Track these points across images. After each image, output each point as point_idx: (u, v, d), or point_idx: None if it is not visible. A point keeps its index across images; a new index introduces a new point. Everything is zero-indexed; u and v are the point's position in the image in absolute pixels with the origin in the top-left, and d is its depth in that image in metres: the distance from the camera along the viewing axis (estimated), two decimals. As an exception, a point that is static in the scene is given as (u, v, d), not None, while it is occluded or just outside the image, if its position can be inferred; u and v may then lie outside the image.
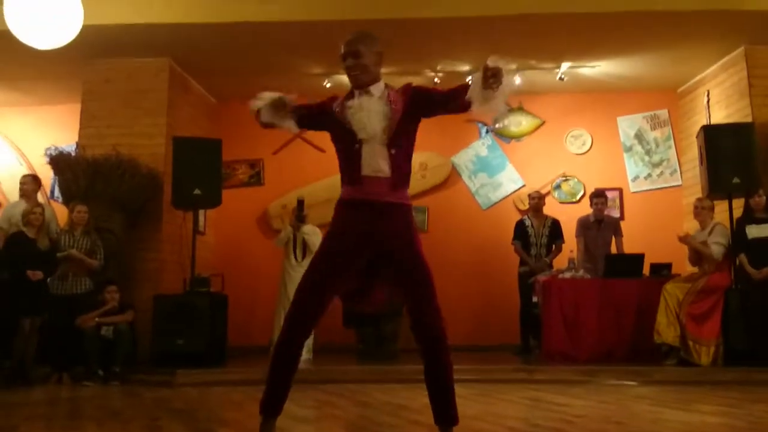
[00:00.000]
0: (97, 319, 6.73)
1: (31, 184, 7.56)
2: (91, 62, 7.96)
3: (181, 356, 6.76)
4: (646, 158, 9.29)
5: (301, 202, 7.69)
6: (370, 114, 3.14)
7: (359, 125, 3.13)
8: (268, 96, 3.23)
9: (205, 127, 8.99)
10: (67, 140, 8.81)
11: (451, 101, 3.17)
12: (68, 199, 7.39)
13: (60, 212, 7.71)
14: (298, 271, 7.67)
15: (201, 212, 8.12)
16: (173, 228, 7.93)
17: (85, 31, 6.30)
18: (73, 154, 7.86)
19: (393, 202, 3.13)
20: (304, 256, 7.76)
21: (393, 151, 3.12)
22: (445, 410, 3.12)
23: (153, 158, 7.74)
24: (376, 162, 3.10)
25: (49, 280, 6.68)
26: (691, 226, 7.84)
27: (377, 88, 3.25)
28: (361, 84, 3.23)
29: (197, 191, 7.16)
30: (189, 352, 6.80)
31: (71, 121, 8.36)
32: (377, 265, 3.18)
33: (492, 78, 2.88)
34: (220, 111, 9.50)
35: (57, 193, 8.34)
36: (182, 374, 6.44)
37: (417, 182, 9.30)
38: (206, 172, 7.25)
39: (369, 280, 3.22)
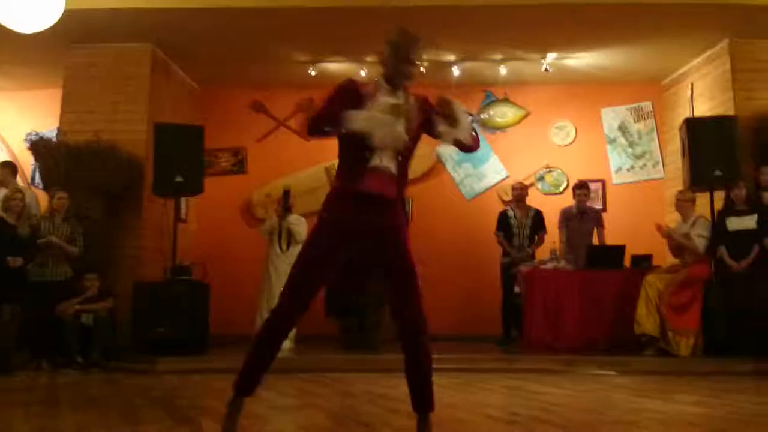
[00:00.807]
0: (76, 306, 6.69)
1: (0, 170, 7.49)
2: (72, 47, 7.88)
3: (162, 344, 6.73)
4: (629, 150, 9.33)
5: (287, 192, 7.66)
6: (392, 125, 3.09)
7: (378, 138, 3.06)
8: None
9: (188, 114, 8.91)
10: (48, 126, 8.69)
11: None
12: (49, 186, 7.32)
13: (41, 199, 7.64)
14: (282, 260, 7.64)
15: (183, 200, 8.06)
16: (154, 215, 7.87)
17: (67, 15, 6.23)
18: (54, 139, 7.78)
19: (390, 198, 3.15)
20: (288, 246, 7.73)
21: (400, 158, 3.14)
22: (423, 398, 3.16)
23: (134, 145, 7.68)
24: (383, 161, 3.10)
25: (28, 266, 6.61)
26: (673, 218, 7.89)
27: (405, 92, 3.24)
28: (410, 82, 3.25)
29: (179, 178, 7.11)
30: (170, 340, 6.76)
31: (52, 106, 8.27)
32: (368, 258, 3.20)
33: (447, 116, 3.06)
34: (203, 97, 9.43)
35: (38, 179, 8.25)
36: (163, 362, 6.42)
37: (401, 172, 9.28)
38: (188, 159, 7.20)
39: (362, 272, 3.26)
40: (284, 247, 7.74)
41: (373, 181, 3.09)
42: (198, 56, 8.35)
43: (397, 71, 3.22)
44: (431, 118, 3.21)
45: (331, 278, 3.24)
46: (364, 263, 3.25)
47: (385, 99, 3.15)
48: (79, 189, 7.17)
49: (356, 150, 3.11)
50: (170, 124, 7.73)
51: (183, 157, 7.15)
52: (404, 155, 3.16)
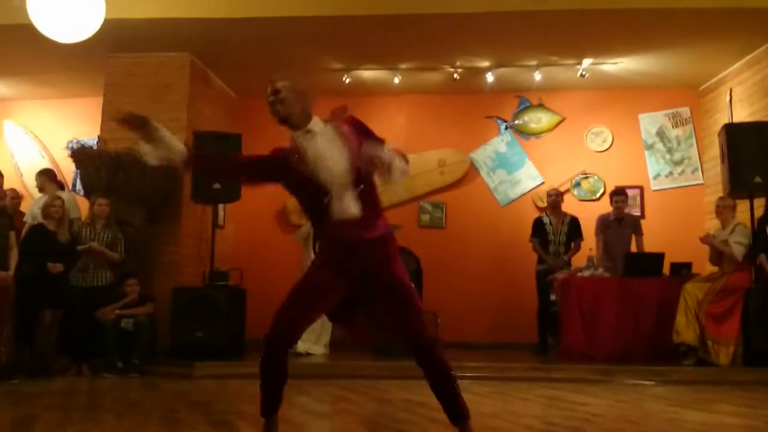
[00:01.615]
0: (117, 311, 6.80)
1: (38, 178, 7.67)
2: (113, 56, 8.02)
3: (200, 349, 6.81)
4: (668, 156, 9.21)
5: None
6: (333, 160, 3.06)
7: (326, 176, 3.05)
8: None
9: (226, 122, 9.03)
10: (89, 133, 8.89)
11: None
12: (89, 193, 7.45)
13: (82, 206, 7.79)
14: None
15: (220, 206, 8.15)
16: (193, 222, 7.98)
17: (108, 24, 6.35)
18: (94, 147, 7.92)
19: (369, 238, 3.10)
20: None
21: (361, 187, 3.07)
22: (454, 409, 3.17)
23: (174, 152, 7.76)
24: (346, 206, 3.05)
25: (69, 272, 6.74)
26: (712, 224, 7.77)
27: (316, 125, 3.18)
28: (285, 117, 3.16)
29: (217, 185, 7.20)
30: (208, 345, 6.84)
31: (93, 114, 8.42)
32: (360, 294, 3.18)
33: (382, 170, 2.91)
34: (241, 106, 9.53)
35: (78, 186, 8.41)
36: (201, 366, 6.50)
37: (435, 178, 9.32)
38: (226, 166, 7.27)
39: (354, 309, 3.23)
40: None
41: (337, 230, 3.07)
42: (235, 65, 8.45)
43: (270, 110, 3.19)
44: (363, 132, 3.16)
45: (319, 313, 3.25)
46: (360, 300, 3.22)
47: (306, 143, 3.13)
48: (120, 196, 7.28)
49: (314, 205, 3.11)
50: (208, 131, 7.83)
51: (221, 164, 7.22)
52: (363, 182, 3.07)
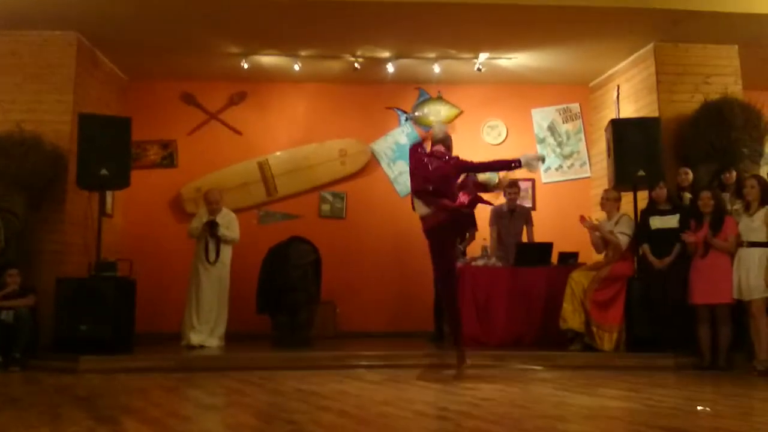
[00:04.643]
0: (-5, 302, 6.44)
1: None
2: (-7, 33, 7.57)
3: (85, 342, 6.52)
4: (558, 150, 9.53)
5: (213, 223, 7.47)
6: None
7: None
8: None
9: (115, 105, 8.68)
10: (-34, 115, 8.35)
11: None
12: (-35, 178, 7.01)
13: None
14: (211, 272, 7.43)
15: (108, 193, 7.84)
16: (78, 209, 7.61)
17: (-14, -1, 5.98)
18: (-29, 129, 7.44)
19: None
20: (217, 257, 7.49)
21: (431, 188, 6.02)
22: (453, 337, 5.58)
23: (58, 136, 7.41)
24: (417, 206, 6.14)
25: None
26: (598, 216, 8.07)
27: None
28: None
29: (104, 171, 6.90)
30: (93, 338, 6.56)
31: (-29, 94, 7.91)
32: None
33: None
34: (131, 88, 9.17)
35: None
36: (85, 361, 6.23)
37: (336, 168, 9.28)
38: (114, 151, 7.00)
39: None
40: (212, 257, 7.49)
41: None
42: (126, 46, 8.10)
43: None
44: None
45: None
46: None
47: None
48: (0, 181, 6.88)
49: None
50: (95, 114, 7.49)
51: (108, 149, 6.95)
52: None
